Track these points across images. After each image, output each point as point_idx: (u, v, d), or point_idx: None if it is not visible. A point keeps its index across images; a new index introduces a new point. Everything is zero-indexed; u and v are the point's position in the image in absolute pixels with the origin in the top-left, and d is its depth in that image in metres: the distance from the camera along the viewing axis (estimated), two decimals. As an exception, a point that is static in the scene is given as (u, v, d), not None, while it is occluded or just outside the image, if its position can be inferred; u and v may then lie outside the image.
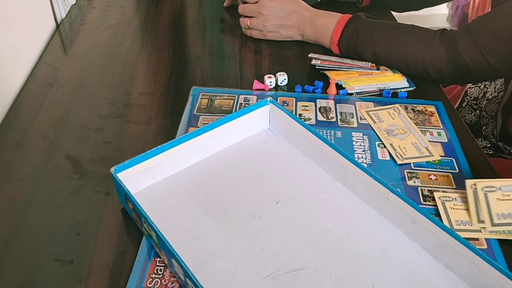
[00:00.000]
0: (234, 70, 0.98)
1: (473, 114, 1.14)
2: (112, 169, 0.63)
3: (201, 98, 0.88)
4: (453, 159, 0.75)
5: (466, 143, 0.79)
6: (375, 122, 0.82)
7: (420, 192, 0.69)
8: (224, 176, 0.71)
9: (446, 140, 0.79)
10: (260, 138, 0.78)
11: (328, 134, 0.80)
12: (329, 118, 0.83)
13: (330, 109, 0.85)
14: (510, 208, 0.63)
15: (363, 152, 0.76)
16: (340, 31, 0.96)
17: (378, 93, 0.90)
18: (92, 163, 0.74)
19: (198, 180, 0.70)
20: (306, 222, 0.64)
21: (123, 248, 0.62)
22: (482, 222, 0.63)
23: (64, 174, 0.72)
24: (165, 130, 0.81)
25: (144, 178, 0.67)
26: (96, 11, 1.21)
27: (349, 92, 0.89)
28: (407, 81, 0.92)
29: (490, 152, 1.05)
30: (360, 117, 0.83)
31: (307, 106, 0.86)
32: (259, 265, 0.59)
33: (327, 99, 0.88)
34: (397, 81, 0.92)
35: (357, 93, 0.89)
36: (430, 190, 0.69)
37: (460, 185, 0.70)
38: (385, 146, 0.77)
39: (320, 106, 0.86)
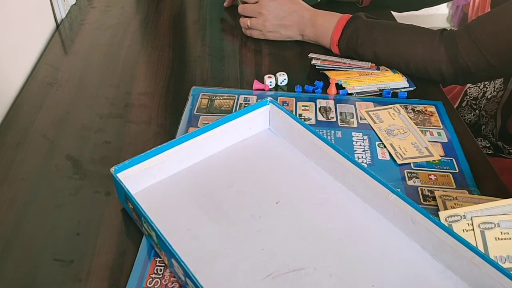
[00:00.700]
0: (234, 70, 0.98)
1: (472, 114, 1.14)
2: (112, 169, 0.63)
3: (201, 98, 0.88)
4: (453, 159, 0.75)
5: (466, 143, 0.79)
6: (375, 122, 0.82)
7: (420, 192, 0.69)
8: (224, 176, 0.71)
9: (446, 140, 0.79)
10: (260, 138, 0.78)
11: (328, 134, 0.80)
12: (329, 118, 0.83)
13: (330, 109, 0.85)
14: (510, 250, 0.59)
15: (363, 152, 0.76)
16: (340, 31, 0.96)
17: (378, 93, 0.90)
18: (92, 163, 0.74)
19: (198, 180, 0.70)
20: (306, 222, 0.64)
21: (123, 248, 0.62)
22: None
23: (64, 174, 0.72)
24: (165, 130, 0.81)
25: (144, 178, 0.67)
26: (96, 11, 1.21)
27: (349, 92, 0.89)
28: (407, 81, 0.92)
29: (489, 152, 1.05)
30: (360, 117, 0.84)
31: (307, 106, 0.86)
32: (259, 265, 0.59)
33: (327, 99, 0.88)
34: (397, 81, 0.92)
35: (357, 93, 0.89)
36: (430, 190, 0.69)
37: (460, 185, 0.70)
38: (385, 146, 0.77)
39: (320, 106, 0.86)
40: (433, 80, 0.92)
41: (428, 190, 0.69)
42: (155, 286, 0.57)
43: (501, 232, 0.60)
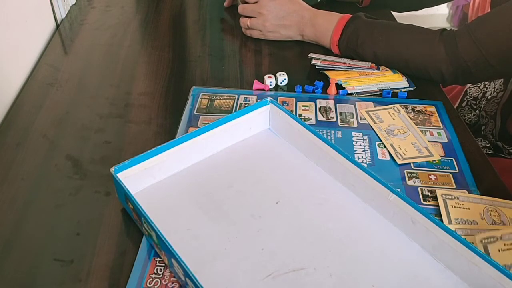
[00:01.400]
0: (234, 70, 0.98)
1: (472, 114, 1.14)
2: (112, 169, 0.63)
3: (201, 98, 0.88)
4: (453, 159, 0.75)
5: (466, 143, 0.79)
6: (375, 122, 0.82)
7: (420, 192, 0.69)
8: (224, 176, 0.71)
9: (446, 140, 0.79)
10: (260, 138, 0.78)
11: (328, 134, 0.80)
12: (329, 118, 0.83)
13: (330, 109, 0.85)
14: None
15: (363, 152, 0.76)
16: (340, 31, 0.96)
17: (378, 93, 0.90)
18: (92, 163, 0.74)
19: (198, 180, 0.70)
20: (306, 222, 0.64)
21: (123, 248, 0.62)
22: None
23: (64, 174, 0.72)
24: (165, 130, 0.81)
25: (144, 178, 0.67)
26: (96, 11, 1.21)
27: (349, 92, 0.89)
28: (407, 81, 0.92)
29: (489, 152, 1.05)
30: (360, 117, 0.84)
31: (307, 106, 0.86)
32: (259, 265, 0.59)
33: (327, 99, 0.88)
34: (397, 81, 0.92)
35: (357, 93, 0.89)
36: (430, 190, 0.69)
37: (460, 185, 0.70)
38: (385, 146, 0.77)
39: (320, 106, 0.86)
40: (433, 80, 0.92)
41: (428, 190, 0.69)
42: (155, 286, 0.57)
43: None
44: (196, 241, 0.61)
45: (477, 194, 0.69)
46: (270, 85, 0.91)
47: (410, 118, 0.83)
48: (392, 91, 0.90)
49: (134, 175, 0.65)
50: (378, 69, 0.95)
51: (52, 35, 1.10)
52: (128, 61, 1.01)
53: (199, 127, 0.77)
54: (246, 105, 0.85)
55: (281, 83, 0.92)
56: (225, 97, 0.88)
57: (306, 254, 0.60)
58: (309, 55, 0.99)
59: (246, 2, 1.07)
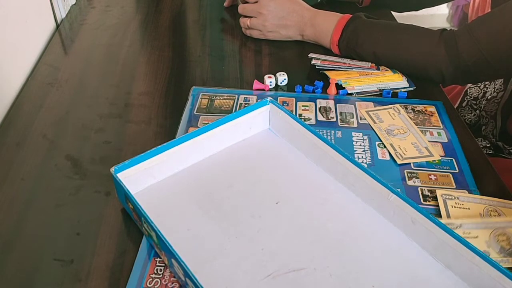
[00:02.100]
0: (234, 70, 0.98)
1: (473, 114, 1.14)
2: (112, 169, 0.63)
3: (201, 98, 0.88)
4: (453, 159, 0.75)
5: (466, 143, 0.79)
6: (375, 122, 0.82)
7: (420, 192, 0.69)
8: (224, 176, 0.71)
9: (446, 140, 0.79)
10: (260, 138, 0.78)
11: (328, 134, 0.80)
12: (329, 118, 0.83)
13: (330, 109, 0.85)
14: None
15: (363, 152, 0.76)
16: (340, 31, 0.96)
17: (378, 93, 0.90)
18: (92, 163, 0.74)
19: (198, 180, 0.70)
20: (306, 222, 0.64)
21: (123, 248, 0.62)
22: None
23: (64, 174, 0.72)
24: (165, 130, 0.81)
25: (144, 178, 0.67)
26: (96, 11, 1.21)
27: (349, 92, 0.89)
28: (407, 81, 0.92)
29: (489, 152, 1.05)
30: (360, 117, 0.84)
31: (307, 106, 0.86)
32: (259, 265, 0.59)
33: (327, 99, 0.88)
34: (397, 81, 0.92)
35: (357, 93, 0.89)
36: (430, 190, 0.69)
37: (460, 185, 0.70)
38: (385, 146, 0.77)
39: (320, 106, 0.86)
40: (433, 80, 0.92)
41: (428, 190, 0.69)
42: (155, 286, 0.57)
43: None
44: (196, 241, 0.61)
45: (477, 194, 0.69)
46: (270, 85, 0.91)
47: (410, 118, 0.83)
48: (392, 91, 0.90)
49: (134, 175, 0.65)
50: (378, 69, 0.94)
51: (52, 35, 1.10)
52: (128, 61, 1.01)
53: (199, 127, 0.77)
54: (246, 105, 0.85)
55: (281, 83, 0.92)
56: (225, 97, 0.88)
57: (306, 254, 0.60)
58: (309, 55, 0.99)
59: (246, 2, 1.07)
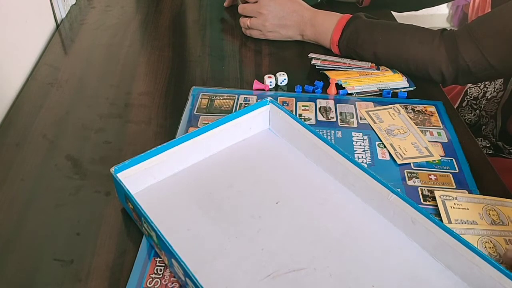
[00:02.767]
0: (234, 70, 0.98)
1: (473, 114, 1.14)
2: (112, 169, 0.63)
3: (201, 98, 0.88)
4: (453, 159, 0.75)
5: (466, 143, 0.79)
6: (375, 122, 0.82)
7: (420, 192, 0.69)
8: (224, 176, 0.71)
9: (446, 140, 0.79)
10: (260, 138, 0.78)
11: (328, 134, 0.80)
12: (329, 118, 0.83)
13: (330, 109, 0.85)
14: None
15: (363, 152, 0.76)
16: (340, 31, 0.96)
17: (378, 93, 0.90)
18: (92, 163, 0.74)
19: (198, 180, 0.70)
20: (306, 222, 0.64)
21: (123, 248, 0.62)
22: None
23: (64, 174, 0.72)
24: (165, 130, 0.81)
25: (144, 178, 0.67)
26: (96, 11, 1.21)
27: (349, 92, 0.89)
28: (407, 81, 0.92)
29: (489, 152, 1.05)
30: (360, 117, 0.84)
31: (307, 106, 0.86)
32: (259, 265, 0.59)
33: (327, 99, 0.88)
34: (397, 81, 0.92)
35: (357, 93, 0.89)
36: (430, 190, 0.69)
37: (460, 185, 0.70)
38: (385, 146, 0.77)
39: (320, 106, 0.86)
40: (433, 80, 0.92)
41: (428, 190, 0.69)
42: (155, 286, 0.57)
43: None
44: (196, 241, 0.61)
45: (477, 194, 0.68)
46: (270, 85, 0.91)
47: (410, 118, 0.83)
48: (392, 91, 0.90)
49: (134, 175, 0.65)
50: (378, 69, 0.94)
51: (52, 35, 1.10)
52: (128, 61, 1.01)
53: (199, 127, 0.77)
54: (246, 105, 0.85)
55: (281, 83, 0.92)
56: (225, 97, 0.88)
57: (306, 254, 0.60)
58: (309, 55, 0.99)
59: (246, 2, 1.07)
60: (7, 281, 0.58)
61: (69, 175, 0.72)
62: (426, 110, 0.86)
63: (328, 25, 0.99)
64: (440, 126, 0.82)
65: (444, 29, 0.90)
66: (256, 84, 0.91)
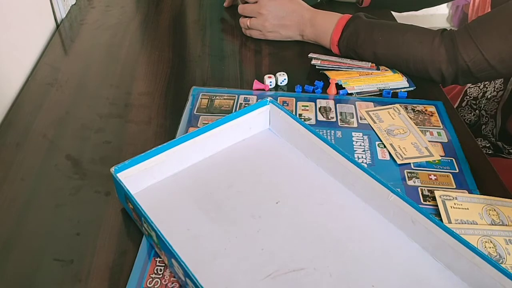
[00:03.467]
0: (234, 70, 0.98)
1: (472, 114, 1.14)
2: (112, 169, 0.63)
3: (201, 98, 0.88)
4: (453, 159, 0.75)
5: (466, 143, 0.79)
6: (375, 122, 0.82)
7: (420, 192, 0.69)
8: (224, 176, 0.71)
9: (446, 140, 0.79)
10: (260, 138, 0.78)
11: (328, 134, 0.80)
12: (329, 118, 0.83)
13: (330, 109, 0.85)
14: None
15: (363, 152, 0.76)
16: (340, 31, 0.96)
17: (378, 93, 0.90)
18: (92, 163, 0.74)
19: (198, 180, 0.70)
20: (306, 222, 0.64)
21: (123, 248, 0.62)
22: None
23: (64, 174, 0.72)
24: (165, 130, 0.81)
25: (144, 178, 0.67)
26: (96, 11, 1.21)
27: (349, 92, 0.89)
28: (407, 81, 0.92)
29: (489, 152, 1.05)
30: (360, 117, 0.83)
31: (307, 106, 0.86)
32: (259, 265, 0.59)
33: (327, 99, 0.88)
34: (397, 81, 0.92)
35: (357, 93, 0.89)
36: (430, 190, 0.69)
37: (460, 185, 0.70)
38: (385, 146, 0.77)
39: (320, 106, 0.86)
40: (433, 80, 0.92)
41: (428, 190, 0.69)
42: (155, 286, 0.57)
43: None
44: (196, 241, 0.61)
45: (477, 194, 0.68)
46: (270, 85, 0.91)
47: (410, 118, 0.83)
48: (392, 91, 0.90)
49: (134, 175, 0.65)
50: (378, 69, 0.94)
51: (52, 35, 1.10)
52: (128, 61, 1.01)
53: (199, 127, 0.77)
54: (246, 105, 0.85)
55: (281, 83, 0.92)
56: (225, 97, 0.88)
57: (306, 254, 0.60)
58: (309, 55, 0.99)
59: (246, 2, 1.07)
60: (7, 281, 0.58)
61: (69, 175, 0.72)
62: (426, 110, 0.86)
63: (328, 25, 0.99)
64: (440, 126, 0.82)
65: (444, 29, 0.90)
66: (256, 84, 0.91)
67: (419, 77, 0.92)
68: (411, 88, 0.91)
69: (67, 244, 0.62)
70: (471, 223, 0.63)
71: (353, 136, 0.79)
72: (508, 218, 0.65)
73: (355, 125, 0.82)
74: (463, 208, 0.65)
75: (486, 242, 0.62)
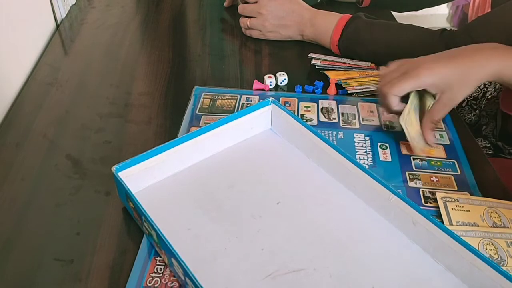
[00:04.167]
0: (234, 70, 0.98)
1: (472, 114, 1.14)
2: (113, 168, 0.63)
3: (203, 98, 0.88)
4: (455, 161, 0.75)
5: (468, 144, 0.79)
6: None
7: (421, 194, 0.69)
8: (225, 176, 0.71)
9: (448, 142, 0.79)
10: (262, 138, 0.78)
11: (330, 135, 0.80)
12: (331, 119, 0.83)
13: (332, 110, 0.85)
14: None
15: (365, 153, 0.76)
16: (340, 31, 0.96)
17: (378, 93, 0.90)
18: (92, 163, 0.74)
19: (199, 179, 0.70)
20: (307, 222, 0.64)
21: (124, 248, 0.61)
22: None
23: (64, 174, 0.72)
24: (165, 130, 0.81)
25: (145, 178, 0.67)
26: (96, 11, 1.21)
27: (349, 92, 0.89)
28: (408, 81, 0.92)
29: (490, 152, 1.05)
30: (362, 118, 0.83)
31: (309, 106, 0.86)
32: (259, 265, 0.58)
33: (328, 99, 0.88)
34: (398, 82, 0.91)
35: (357, 93, 0.89)
36: (432, 191, 0.69)
37: (461, 187, 0.70)
38: (387, 148, 0.77)
39: (322, 107, 0.86)
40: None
41: (430, 192, 0.69)
42: (155, 285, 0.57)
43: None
44: (196, 240, 0.61)
45: (479, 196, 0.68)
46: (270, 85, 0.91)
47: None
48: (392, 92, 0.89)
49: (135, 174, 0.65)
50: (378, 69, 0.94)
51: (52, 35, 1.10)
52: (128, 61, 1.01)
53: (201, 126, 0.77)
54: (248, 105, 0.85)
55: (281, 83, 0.92)
56: (227, 97, 0.88)
57: (306, 255, 0.60)
58: (309, 55, 0.99)
59: (246, 2, 1.07)
60: (7, 281, 0.58)
61: (69, 175, 0.72)
62: (427, 111, 0.85)
63: (328, 25, 0.99)
64: (442, 128, 0.82)
65: (444, 29, 0.90)
66: (256, 84, 0.91)
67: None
68: (412, 89, 0.91)
69: (67, 243, 0.62)
70: (473, 225, 0.63)
71: (354, 137, 0.79)
72: (510, 220, 0.65)
73: (357, 126, 0.82)
74: (464, 210, 0.65)
75: (487, 244, 0.62)
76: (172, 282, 0.57)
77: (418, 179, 0.71)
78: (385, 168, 0.73)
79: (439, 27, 0.95)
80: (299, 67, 0.99)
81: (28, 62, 0.98)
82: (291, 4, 1.03)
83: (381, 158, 0.75)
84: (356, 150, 0.77)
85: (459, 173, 0.73)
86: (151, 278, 0.58)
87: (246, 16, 1.07)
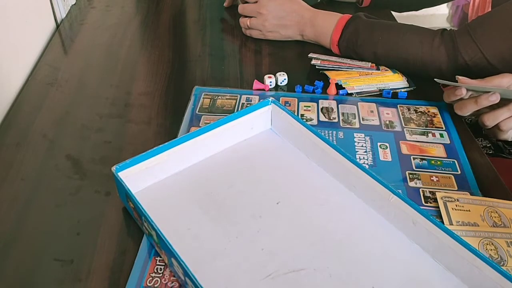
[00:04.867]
0: (234, 70, 0.98)
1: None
2: (113, 168, 0.63)
3: (203, 98, 0.88)
4: (455, 161, 0.75)
5: (468, 144, 0.79)
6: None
7: (421, 194, 0.69)
8: (225, 176, 0.71)
9: (448, 142, 0.79)
10: (262, 138, 0.78)
11: (330, 134, 0.80)
12: (331, 118, 0.83)
13: (332, 109, 0.85)
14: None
15: (365, 153, 0.76)
16: (340, 31, 0.96)
17: (378, 93, 0.90)
18: (92, 163, 0.74)
19: (199, 179, 0.70)
20: (307, 222, 0.64)
21: (124, 248, 0.61)
22: None
23: (64, 174, 0.72)
24: (165, 130, 0.81)
25: (145, 177, 0.67)
26: (96, 11, 1.21)
27: (349, 92, 0.89)
28: (407, 81, 0.92)
29: (490, 152, 1.05)
30: (362, 118, 0.83)
31: (309, 106, 0.86)
32: (259, 265, 0.58)
33: (328, 99, 0.88)
34: (397, 81, 0.92)
35: (357, 93, 0.89)
36: (432, 191, 0.69)
37: (461, 187, 0.70)
38: (387, 147, 0.77)
39: (322, 107, 0.86)
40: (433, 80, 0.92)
41: (430, 192, 0.69)
42: (155, 285, 0.57)
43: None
44: (196, 240, 0.61)
45: (479, 196, 0.68)
46: (270, 85, 0.91)
47: (413, 119, 0.83)
48: (392, 91, 0.89)
49: (135, 174, 0.65)
50: (378, 69, 0.94)
51: (52, 35, 1.10)
52: (128, 61, 1.01)
53: (201, 126, 0.77)
54: (248, 105, 0.85)
55: (281, 83, 0.92)
56: (227, 97, 0.88)
57: (306, 255, 0.60)
58: (309, 55, 0.99)
59: (246, 2, 1.07)
60: (7, 281, 0.58)
61: (69, 175, 0.72)
62: (428, 111, 0.85)
63: (328, 25, 0.99)
64: (442, 128, 0.82)
65: (444, 29, 0.90)
66: (256, 84, 0.91)
67: (419, 77, 0.92)
68: (411, 88, 0.91)
69: (67, 244, 0.62)
70: (473, 225, 0.63)
71: (355, 137, 0.79)
72: (510, 220, 0.65)
73: (357, 126, 0.82)
74: (464, 210, 0.65)
75: (487, 244, 0.62)
76: (172, 282, 0.57)
77: (418, 179, 0.71)
78: (385, 168, 0.73)
79: (439, 27, 0.95)
80: (299, 67, 0.99)
81: (28, 62, 0.98)
82: (291, 4, 1.03)
83: (381, 158, 0.75)
84: (356, 150, 0.77)
85: (459, 172, 0.73)
86: (151, 278, 0.58)
87: (246, 16, 1.07)
